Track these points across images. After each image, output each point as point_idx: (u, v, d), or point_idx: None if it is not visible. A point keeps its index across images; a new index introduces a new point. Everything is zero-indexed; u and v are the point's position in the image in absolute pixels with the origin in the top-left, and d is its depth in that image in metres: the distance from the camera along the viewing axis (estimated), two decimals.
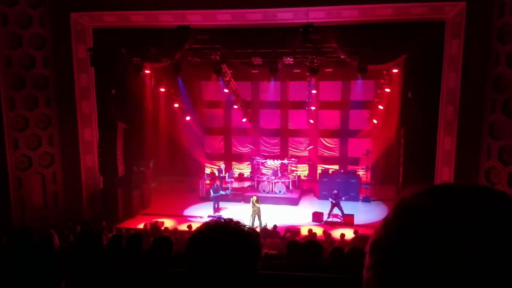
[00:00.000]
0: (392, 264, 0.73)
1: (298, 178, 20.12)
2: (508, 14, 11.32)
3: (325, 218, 15.35)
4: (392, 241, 0.75)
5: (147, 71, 16.05)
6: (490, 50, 11.74)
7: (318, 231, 13.13)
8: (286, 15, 12.90)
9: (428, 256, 0.69)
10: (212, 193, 16.50)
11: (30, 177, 14.02)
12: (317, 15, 12.39)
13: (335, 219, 15.39)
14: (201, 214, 16.15)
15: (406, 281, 0.71)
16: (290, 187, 18.78)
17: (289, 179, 19.00)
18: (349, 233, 12.48)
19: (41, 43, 13.67)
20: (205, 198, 17.83)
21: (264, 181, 18.76)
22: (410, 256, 0.71)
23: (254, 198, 14.86)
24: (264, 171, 20.08)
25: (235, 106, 21.47)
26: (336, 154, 22.41)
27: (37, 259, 1.67)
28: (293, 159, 20.25)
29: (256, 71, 18.99)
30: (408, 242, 0.72)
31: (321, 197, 18.00)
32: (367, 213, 16.33)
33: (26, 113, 13.73)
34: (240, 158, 23.13)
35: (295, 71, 18.04)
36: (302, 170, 21.89)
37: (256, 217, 14.52)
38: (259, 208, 14.60)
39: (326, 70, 17.38)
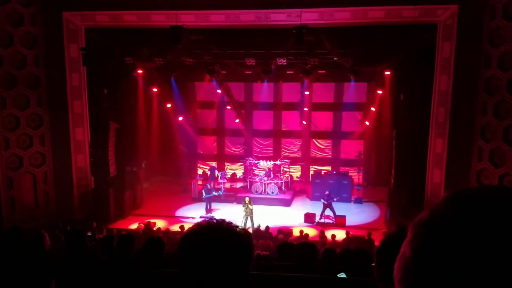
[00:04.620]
0: (431, 239, 0.75)
1: (290, 179, 20.12)
2: (499, 17, 11.41)
3: (317, 219, 15.38)
4: (437, 219, 0.77)
5: (140, 71, 15.99)
6: (481, 53, 11.83)
7: (310, 232, 13.17)
8: (279, 17, 12.91)
9: (471, 238, 0.71)
10: (204, 193, 16.45)
11: (21, 177, 13.90)
12: (310, 16, 12.42)
13: (327, 220, 15.43)
14: (193, 214, 16.11)
15: (442, 259, 0.73)
16: (283, 188, 18.78)
17: (281, 180, 19.00)
18: (340, 234, 12.54)
19: (32, 42, 13.56)
20: (198, 199, 17.77)
21: (256, 182, 18.75)
22: (452, 236, 0.73)
23: (247, 199, 14.86)
24: (256, 172, 20.07)
25: (228, 107, 21.44)
26: (328, 155, 22.46)
27: (27, 258, 1.66)
28: (286, 160, 20.27)
29: (249, 72, 18.99)
30: (454, 222, 0.74)
31: (314, 198, 18.03)
32: (359, 215, 16.40)
33: (18, 112, 13.61)
34: (233, 159, 23.10)
35: (288, 72, 18.06)
36: (295, 171, 21.91)
37: (249, 218, 14.52)
38: (251, 209, 14.61)
39: (319, 71, 17.40)
